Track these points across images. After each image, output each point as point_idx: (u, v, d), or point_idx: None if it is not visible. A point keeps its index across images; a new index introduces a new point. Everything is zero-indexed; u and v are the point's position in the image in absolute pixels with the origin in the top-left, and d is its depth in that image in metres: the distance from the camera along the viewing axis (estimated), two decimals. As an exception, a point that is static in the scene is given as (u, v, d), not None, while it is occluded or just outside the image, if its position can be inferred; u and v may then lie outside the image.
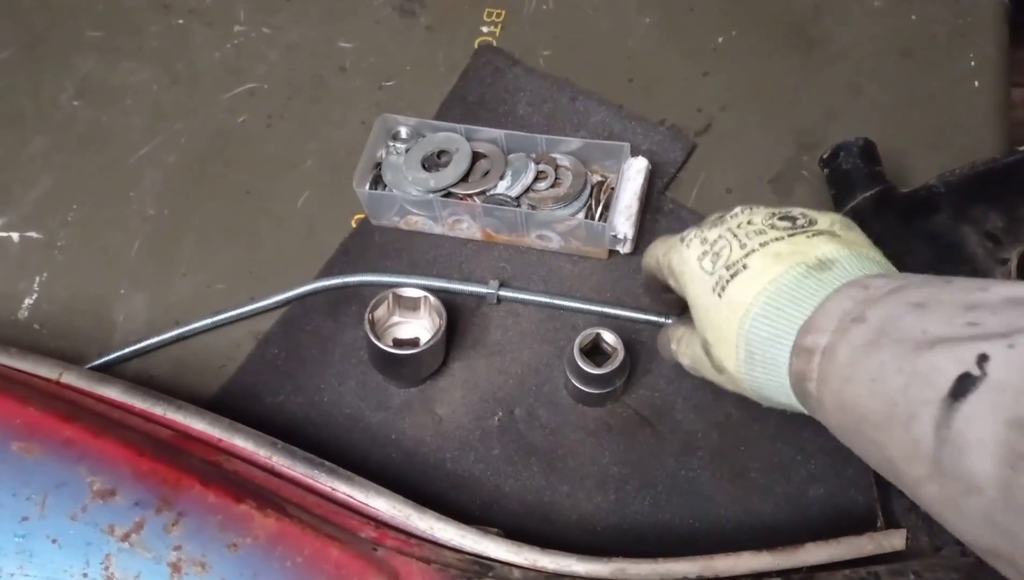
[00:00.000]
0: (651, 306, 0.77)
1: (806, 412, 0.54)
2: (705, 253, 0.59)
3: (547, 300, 0.79)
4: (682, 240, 0.62)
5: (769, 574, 0.60)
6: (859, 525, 0.66)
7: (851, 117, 0.87)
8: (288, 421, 0.76)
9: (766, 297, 0.54)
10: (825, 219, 0.58)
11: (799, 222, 0.58)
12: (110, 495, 0.53)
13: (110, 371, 0.77)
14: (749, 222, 0.59)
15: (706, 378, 0.63)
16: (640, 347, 0.77)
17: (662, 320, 0.76)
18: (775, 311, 0.54)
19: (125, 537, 0.51)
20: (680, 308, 0.71)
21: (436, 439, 0.74)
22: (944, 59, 0.89)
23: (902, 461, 0.45)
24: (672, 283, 0.64)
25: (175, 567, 0.51)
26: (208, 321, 0.80)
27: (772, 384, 0.55)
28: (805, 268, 0.54)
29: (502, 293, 0.79)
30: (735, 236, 0.58)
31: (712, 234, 0.60)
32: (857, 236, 0.57)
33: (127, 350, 0.79)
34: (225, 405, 0.76)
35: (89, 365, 0.77)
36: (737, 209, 0.61)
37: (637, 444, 0.74)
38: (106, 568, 0.50)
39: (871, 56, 0.90)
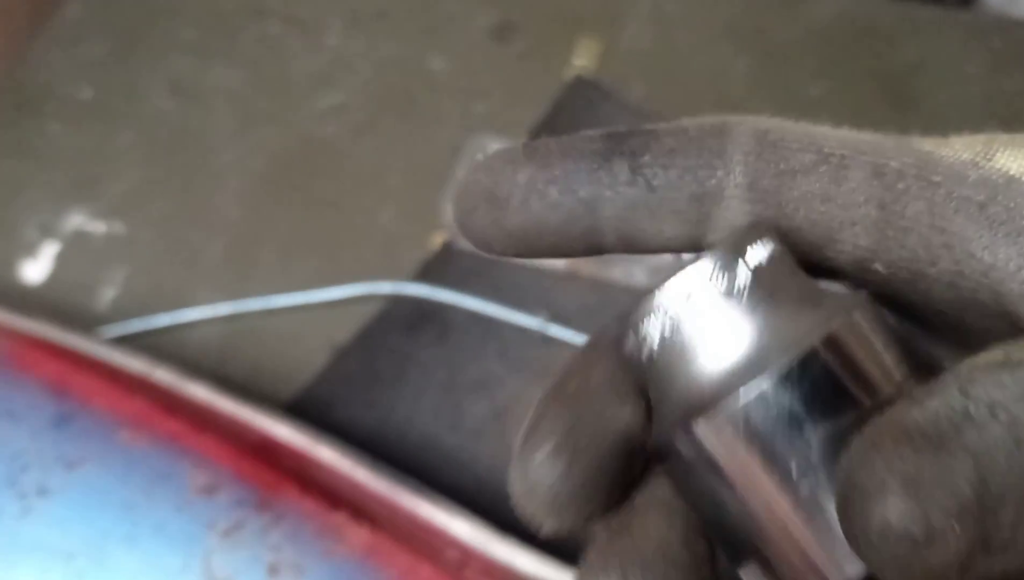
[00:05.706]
0: None
1: None
2: None
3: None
4: None
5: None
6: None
7: (942, 180, 0.86)
8: (360, 435, 0.75)
9: None
10: None
11: None
12: (212, 491, 0.52)
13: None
14: None
15: None
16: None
17: None
18: None
19: (226, 534, 0.51)
20: None
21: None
22: (1039, 130, 0.89)
23: None
24: None
25: (273, 569, 0.51)
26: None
27: None
28: None
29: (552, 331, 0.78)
30: None
31: None
32: None
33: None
34: (298, 414, 0.76)
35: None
36: None
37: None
38: (206, 563, 0.50)
39: (967, 121, 0.89)
